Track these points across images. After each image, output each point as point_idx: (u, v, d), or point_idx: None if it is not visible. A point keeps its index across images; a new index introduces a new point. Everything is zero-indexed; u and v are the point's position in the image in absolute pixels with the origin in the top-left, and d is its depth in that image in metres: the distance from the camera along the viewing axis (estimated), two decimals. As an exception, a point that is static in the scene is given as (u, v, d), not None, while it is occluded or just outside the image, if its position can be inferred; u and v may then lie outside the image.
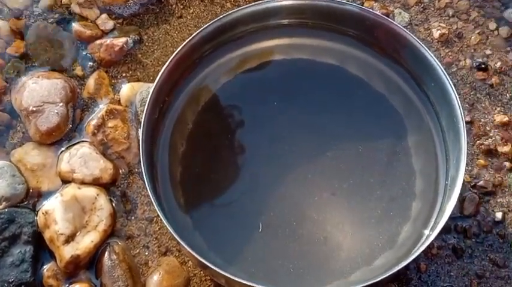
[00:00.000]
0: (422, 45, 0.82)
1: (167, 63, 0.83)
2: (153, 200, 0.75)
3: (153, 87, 0.81)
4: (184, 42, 0.84)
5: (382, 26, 0.85)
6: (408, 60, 0.86)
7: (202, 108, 0.88)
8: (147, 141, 0.80)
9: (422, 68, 0.84)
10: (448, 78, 0.80)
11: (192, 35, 0.84)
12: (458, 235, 0.86)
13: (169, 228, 0.74)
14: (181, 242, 0.74)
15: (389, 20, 0.86)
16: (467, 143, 0.88)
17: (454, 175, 0.78)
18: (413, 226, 0.81)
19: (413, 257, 0.73)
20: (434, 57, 0.81)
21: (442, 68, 0.81)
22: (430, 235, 0.77)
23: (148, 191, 0.76)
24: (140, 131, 0.79)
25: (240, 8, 0.87)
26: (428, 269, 0.84)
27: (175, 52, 0.83)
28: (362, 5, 0.97)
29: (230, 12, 0.86)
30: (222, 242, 0.81)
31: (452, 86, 0.80)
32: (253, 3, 0.87)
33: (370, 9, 0.87)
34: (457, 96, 0.79)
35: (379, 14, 0.87)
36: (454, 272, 0.84)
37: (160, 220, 0.77)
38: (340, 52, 0.89)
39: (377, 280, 0.72)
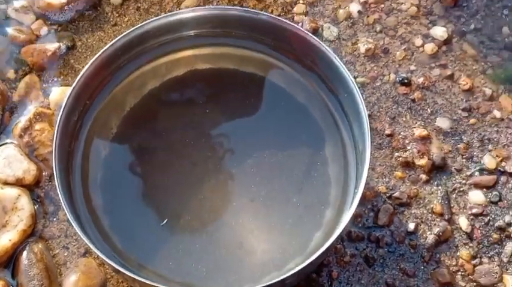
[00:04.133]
0: (334, 55, 0.84)
1: (88, 65, 0.83)
2: (63, 203, 0.76)
3: (72, 87, 0.81)
4: (106, 46, 0.85)
5: (296, 35, 0.87)
6: (324, 71, 0.88)
7: (128, 113, 0.89)
8: (62, 142, 0.80)
9: (336, 79, 0.86)
10: (357, 88, 0.81)
11: (114, 40, 0.85)
12: (371, 243, 0.87)
13: (78, 230, 0.75)
14: (92, 247, 0.75)
15: (302, 29, 0.87)
16: (386, 155, 0.92)
17: (359, 184, 0.79)
18: (323, 233, 0.82)
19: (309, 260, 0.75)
20: (344, 68, 0.83)
21: (352, 78, 0.82)
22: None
23: (60, 194, 0.76)
24: (55, 131, 0.79)
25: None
26: (339, 276, 0.86)
27: (98, 54, 0.84)
28: (293, 19, 1.00)
29: (154, 19, 0.88)
30: (137, 244, 0.82)
31: (360, 96, 0.81)
32: (167, 14, 0.88)
33: (282, 18, 0.89)
34: (364, 106, 0.80)
35: (289, 22, 0.88)
36: (364, 280, 0.86)
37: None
38: (262, 62, 0.92)
39: (284, 276, 0.74)
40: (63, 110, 0.81)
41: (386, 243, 0.88)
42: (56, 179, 0.77)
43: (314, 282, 0.85)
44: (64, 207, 0.76)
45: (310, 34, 0.87)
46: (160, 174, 0.86)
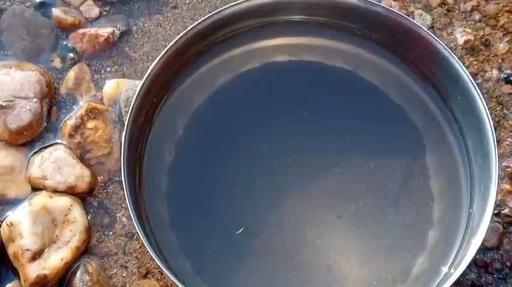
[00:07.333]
0: (450, 51, 0.73)
1: (157, 60, 0.74)
2: (132, 215, 0.67)
3: (140, 86, 0.72)
4: (178, 37, 0.75)
5: (404, 28, 0.76)
6: (432, 68, 0.77)
7: (196, 112, 0.79)
8: (130, 147, 0.72)
9: (448, 78, 0.75)
10: (479, 91, 0.71)
11: (187, 29, 0.75)
12: (479, 269, 0.77)
13: (148, 249, 0.66)
14: (163, 268, 0.65)
15: (413, 21, 0.76)
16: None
17: (482, 205, 0.70)
18: (429, 258, 0.73)
19: None
20: (462, 66, 0.73)
21: (472, 79, 0.72)
22: (450, 273, 0.69)
23: (128, 204, 0.68)
24: (123, 136, 0.70)
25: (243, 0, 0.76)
26: None
27: (167, 47, 0.74)
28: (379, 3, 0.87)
29: (232, 4, 0.76)
30: (211, 266, 0.73)
31: (483, 101, 0.71)
32: None
33: (393, 9, 0.77)
34: (489, 114, 0.70)
35: (403, 14, 0.76)
36: None
37: (142, 237, 0.69)
38: (354, 56, 0.81)
39: None
40: (131, 111, 0.71)
41: (496, 269, 0.77)
42: (124, 186, 0.68)
43: (413, 315, 0.74)
44: (135, 224, 0.67)
45: (416, 23, 0.75)
46: (233, 184, 0.77)
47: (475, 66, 0.86)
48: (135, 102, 0.71)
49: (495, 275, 0.77)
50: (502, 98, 0.85)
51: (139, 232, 0.67)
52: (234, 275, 0.72)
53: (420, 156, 0.77)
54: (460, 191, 0.74)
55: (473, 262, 0.77)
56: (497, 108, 0.84)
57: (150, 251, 0.65)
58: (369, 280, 0.72)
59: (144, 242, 0.66)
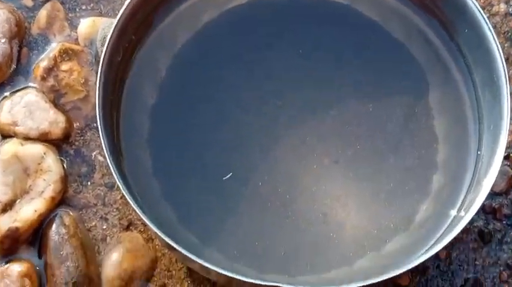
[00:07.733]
0: None
1: None
2: (109, 162, 0.62)
3: (116, 22, 0.66)
4: None
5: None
6: (436, 0, 0.71)
7: (179, 52, 0.73)
8: (105, 89, 0.65)
9: (453, 10, 0.69)
10: (488, 21, 0.65)
11: None
12: (487, 215, 0.74)
13: (128, 199, 0.61)
14: (144, 218, 0.60)
15: None
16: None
17: (492, 146, 0.64)
18: (434, 204, 0.68)
19: (441, 246, 0.59)
20: None
21: (480, 9, 0.66)
22: (461, 216, 0.64)
23: (105, 151, 0.62)
24: (97, 77, 0.64)
25: None
26: (449, 256, 0.72)
27: None
28: None
29: None
30: (196, 215, 0.68)
31: (493, 31, 0.65)
32: None
33: None
34: (499, 46, 0.64)
35: None
36: (480, 261, 0.72)
37: (123, 186, 0.64)
38: None
39: (389, 276, 0.58)
40: (106, 49, 0.64)
41: (505, 215, 0.73)
42: (100, 130, 0.62)
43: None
44: (112, 170, 0.61)
45: None
46: (220, 127, 0.71)
47: (481, 0, 0.81)
48: (110, 39, 0.65)
49: (504, 222, 0.73)
50: (510, 34, 0.80)
51: (117, 180, 0.61)
52: (220, 226, 0.68)
53: (423, 95, 0.72)
54: (467, 131, 0.69)
55: (481, 208, 0.72)
56: (506, 45, 0.80)
57: (129, 201, 0.60)
58: (368, 228, 0.68)
59: (123, 191, 0.61)
